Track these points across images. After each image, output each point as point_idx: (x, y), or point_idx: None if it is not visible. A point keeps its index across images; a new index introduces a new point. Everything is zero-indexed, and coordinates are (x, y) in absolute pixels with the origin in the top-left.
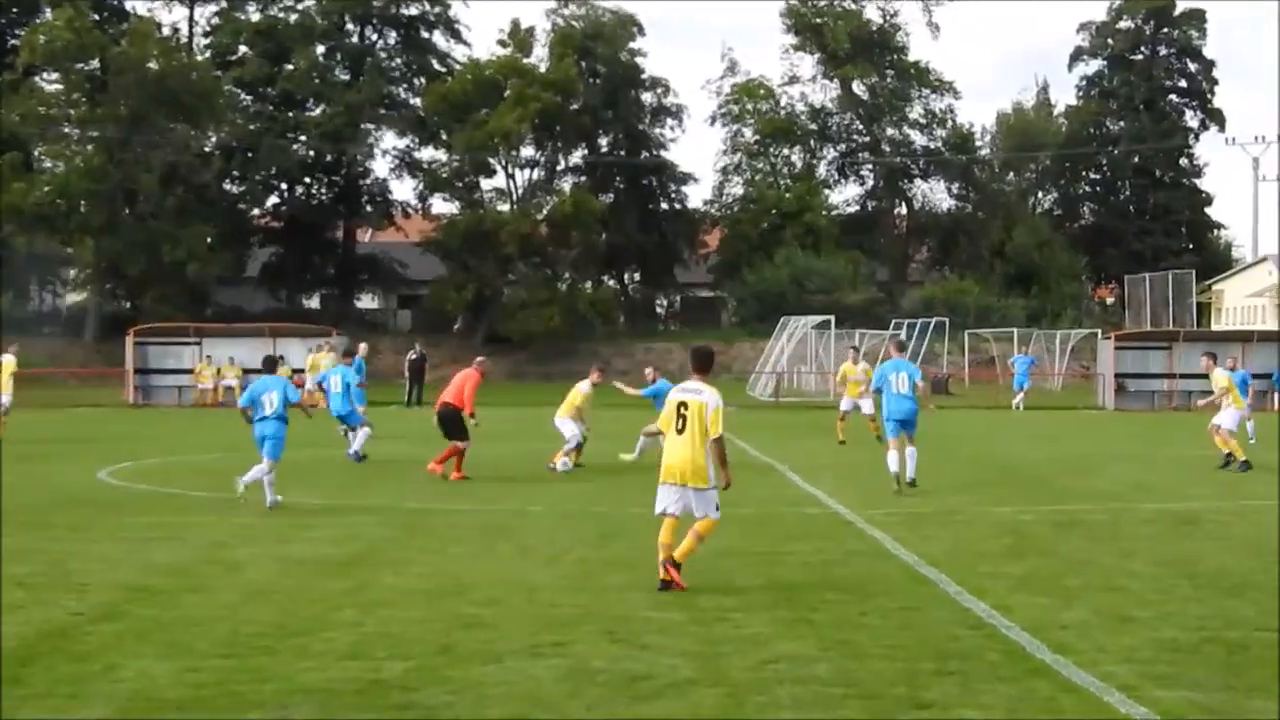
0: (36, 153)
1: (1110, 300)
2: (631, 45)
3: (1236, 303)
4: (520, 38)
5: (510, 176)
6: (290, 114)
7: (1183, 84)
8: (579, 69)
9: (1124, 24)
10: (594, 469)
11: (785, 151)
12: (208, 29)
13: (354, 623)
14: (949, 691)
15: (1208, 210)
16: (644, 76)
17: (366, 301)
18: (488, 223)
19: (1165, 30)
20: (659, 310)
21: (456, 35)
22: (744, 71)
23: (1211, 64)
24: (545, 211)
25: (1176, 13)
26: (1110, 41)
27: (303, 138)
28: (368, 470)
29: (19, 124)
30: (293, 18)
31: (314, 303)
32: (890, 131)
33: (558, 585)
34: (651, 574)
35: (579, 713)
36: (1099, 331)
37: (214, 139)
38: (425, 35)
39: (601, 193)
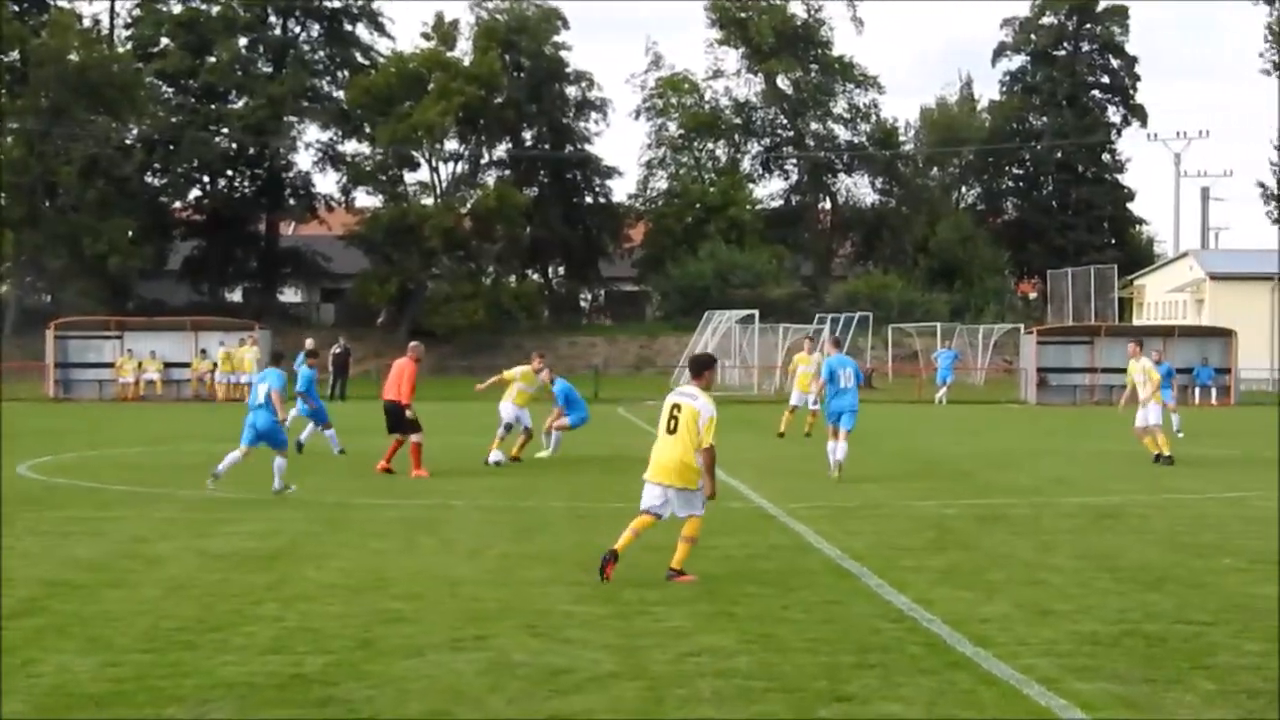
0: None
1: (1033, 295)
2: (555, 39)
3: (1158, 298)
4: (444, 31)
5: (434, 170)
6: (212, 106)
7: (1105, 80)
8: (503, 62)
9: (1047, 20)
10: (515, 465)
11: (709, 146)
12: (129, 20)
13: (275, 617)
14: (870, 684)
15: (1130, 206)
16: (568, 70)
17: (289, 295)
18: (411, 216)
19: (1088, 26)
20: (583, 304)
21: (380, 28)
22: (668, 65)
23: (1134, 60)
24: (469, 205)
25: (1099, 9)
26: (1033, 37)
27: (225, 130)
28: (291, 464)
29: None
30: (215, 10)
31: (236, 296)
32: (814, 126)
33: (479, 580)
34: (573, 569)
35: (500, 707)
36: (1021, 326)
37: (135, 131)
38: (348, 28)
39: (526, 186)
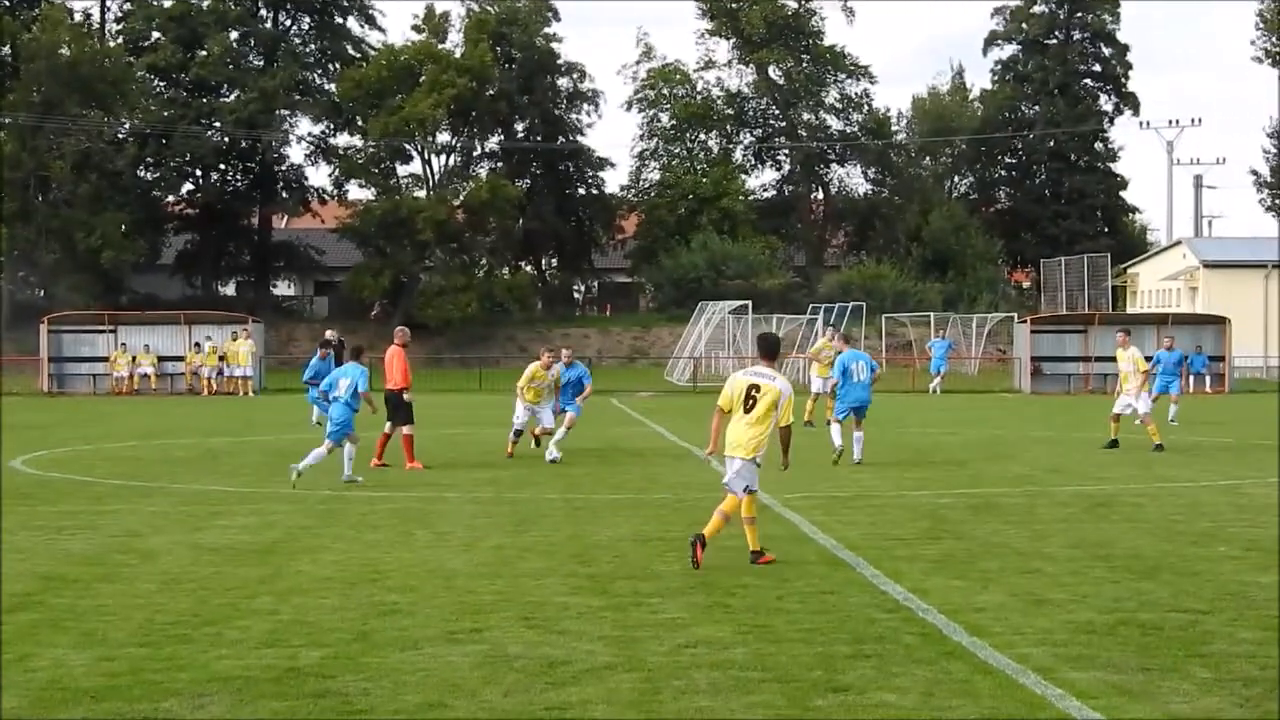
0: None
1: (1026, 284)
2: (547, 30)
3: (1151, 286)
4: (435, 23)
5: (426, 162)
6: (204, 100)
7: (1097, 68)
8: (494, 54)
9: (1038, 8)
10: (511, 457)
11: (702, 136)
12: (120, 14)
13: (270, 610)
14: (865, 674)
15: (1123, 194)
16: (560, 62)
17: (282, 288)
18: (404, 209)
19: (1079, 15)
20: (576, 296)
21: (371, 21)
22: (660, 56)
23: (1126, 48)
24: (462, 197)
25: None
26: (1025, 26)
27: (217, 124)
28: (283, 457)
29: None
30: (206, 3)
31: (229, 290)
32: (806, 116)
33: (475, 572)
34: (568, 561)
35: (496, 699)
36: (1015, 315)
37: (127, 125)
38: (340, 21)
39: (518, 178)
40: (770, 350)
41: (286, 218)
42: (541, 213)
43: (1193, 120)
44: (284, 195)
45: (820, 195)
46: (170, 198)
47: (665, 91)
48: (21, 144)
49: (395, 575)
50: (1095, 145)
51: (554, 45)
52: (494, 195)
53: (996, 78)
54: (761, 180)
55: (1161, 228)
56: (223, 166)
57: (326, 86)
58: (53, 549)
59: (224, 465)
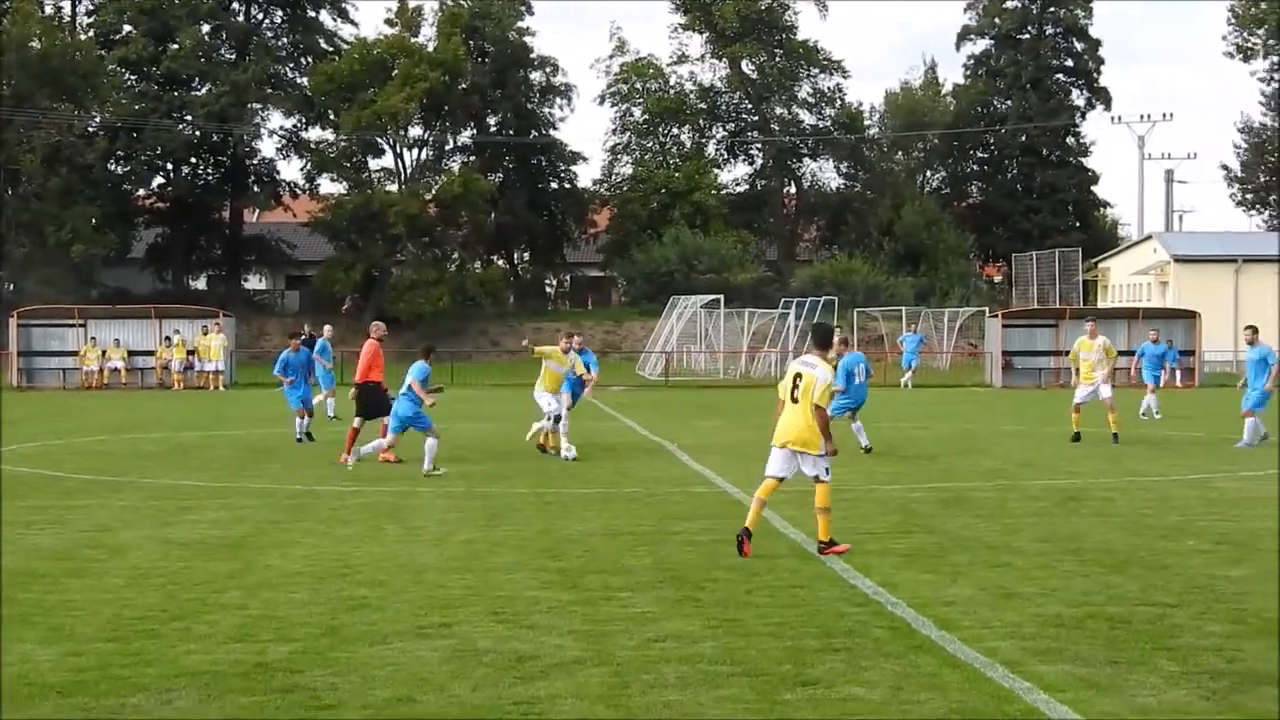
0: None
1: (998, 278)
2: (520, 24)
3: (1122, 280)
4: (408, 17)
5: (398, 156)
6: (176, 93)
7: (1069, 63)
8: (467, 48)
9: (1011, 3)
10: (481, 450)
11: (674, 131)
12: (91, 8)
13: (239, 605)
14: (835, 668)
15: (1094, 189)
16: (532, 56)
17: (254, 282)
18: (376, 203)
19: (1052, 10)
20: (548, 290)
21: (343, 14)
22: (633, 50)
23: (1098, 43)
24: (434, 191)
25: None
26: (997, 21)
27: (188, 118)
28: (253, 453)
29: None
30: None
31: (201, 284)
32: (779, 110)
33: (444, 566)
34: (538, 555)
35: (465, 693)
36: (986, 309)
37: (98, 119)
38: (312, 14)
39: (490, 172)
40: (823, 340)
41: (258, 212)
42: (514, 207)
43: (1164, 115)
44: (255, 189)
45: (793, 190)
46: (141, 191)
47: (638, 86)
48: None
49: (365, 570)
50: (1067, 140)
51: (527, 39)
52: (466, 189)
53: (969, 72)
54: (734, 174)
55: (1133, 222)
56: (194, 160)
57: (298, 80)
58: (21, 544)
59: (194, 460)
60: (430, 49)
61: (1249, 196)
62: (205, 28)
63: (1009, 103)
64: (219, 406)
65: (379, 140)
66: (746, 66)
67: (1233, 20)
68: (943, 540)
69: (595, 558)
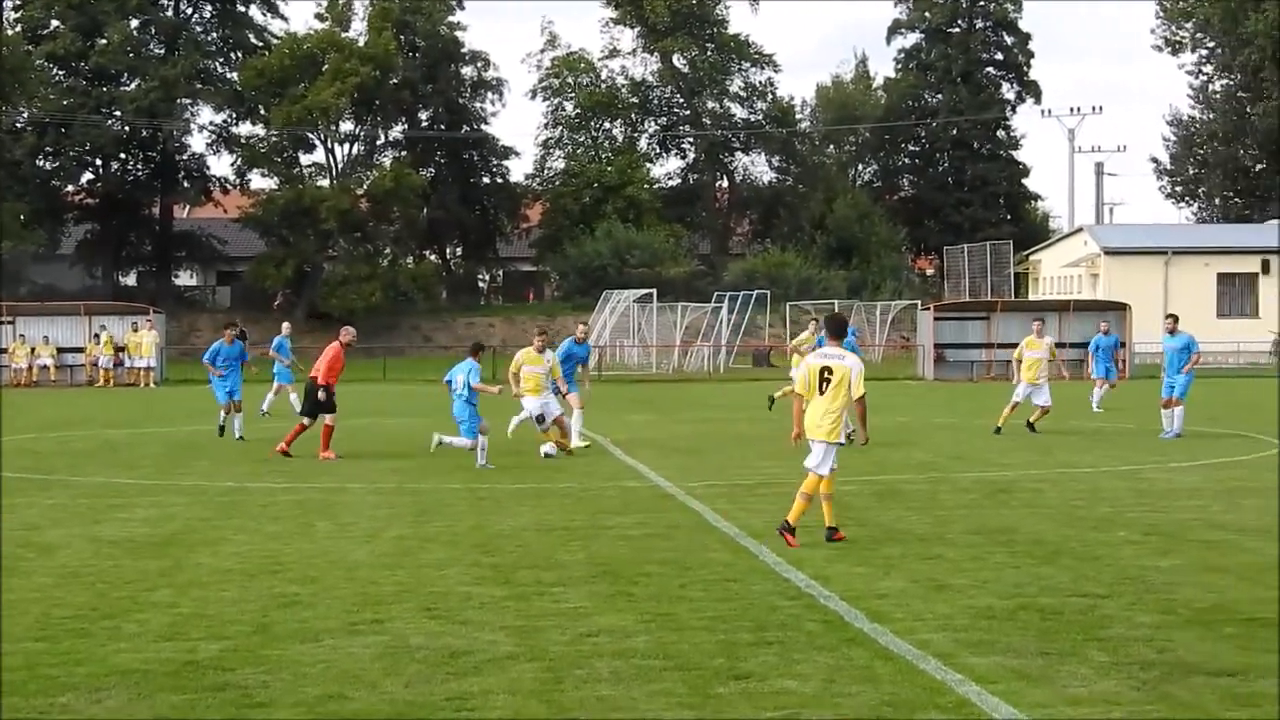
0: None
1: (930, 271)
2: (450, 19)
3: (1053, 273)
4: (338, 11)
5: (330, 151)
6: (104, 89)
7: (999, 57)
8: (398, 43)
9: None
10: (413, 446)
11: (606, 125)
12: (18, 2)
13: (169, 603)
14: (768, 661)
15: (1025, 182)
16: (464, 50)
17: (185, 278)
18: (307, 198)
19: (982, 3)
20: (481, 285)
21: (273, 9)
22: (564, 45)
23: (1028, 37)
24: (365, 186)
25: None
26: (928, 15)
27: (117, 113)
28: (184, 449)
29: None
30: None
31: (131, 280)
32: (711, 105)
33: (376, 563)
34: (470, 551)
35: (397, 689)
36: (918, 302)
37: (26, 114)
38: (241, 9)
39: (422, 167)
40: (838, 330)
41: (188, 207)
42: (446, 202)
43: (1094, 108)
44: (185, 185)
45: (725, 183)
46: (70, 187)
47: (570, 80)
48: None
49: (296, 567)
50: (998, 133)
51: (458, 34)
52: (398, 184)
53: (900, 66)
54: (666, 169)
55: (1063, 215)
56: (123, 156)
57: (228, 75)
58: None
59: (124, 457)
60: (361, 44)
61: (1178, 189)
62: (134, 22)
63: (940, 96)
64: (149, 403)
65: (310, 135)
66: (678, 60)
67: (1161, 14)
68: (875, 533)
69: (528, 553)
